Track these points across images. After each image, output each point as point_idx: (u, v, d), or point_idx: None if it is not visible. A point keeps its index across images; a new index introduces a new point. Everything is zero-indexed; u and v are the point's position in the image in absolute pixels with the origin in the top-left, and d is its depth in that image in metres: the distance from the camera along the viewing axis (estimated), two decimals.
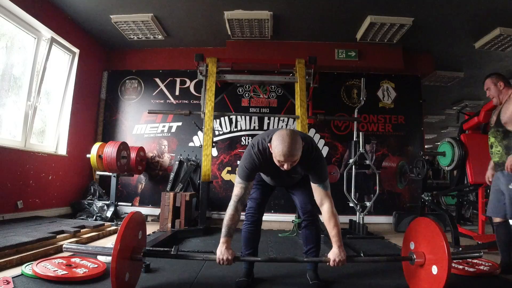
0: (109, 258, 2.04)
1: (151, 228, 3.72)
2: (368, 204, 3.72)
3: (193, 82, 5.03)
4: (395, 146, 4.91)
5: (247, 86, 4.99)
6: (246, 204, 1.80)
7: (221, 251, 1.58)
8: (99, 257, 2.06)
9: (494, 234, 2.38)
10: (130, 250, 1.60)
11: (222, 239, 1.61)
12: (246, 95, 4.99)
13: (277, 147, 1.51)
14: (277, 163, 1.57)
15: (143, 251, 1.69)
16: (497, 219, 2.23)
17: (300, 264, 1.98)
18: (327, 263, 1.61)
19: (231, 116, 4.89)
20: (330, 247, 2.98)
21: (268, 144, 1.61)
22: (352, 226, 3.89)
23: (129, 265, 1.61)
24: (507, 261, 2.18)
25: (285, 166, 1.53)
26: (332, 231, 1.62)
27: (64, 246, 1.70)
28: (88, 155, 4.10)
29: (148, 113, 4.35)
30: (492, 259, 2.34)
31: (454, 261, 2.13)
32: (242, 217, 1.86)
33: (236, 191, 1.68)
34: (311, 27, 4.45)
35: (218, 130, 4.88)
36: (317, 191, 1.68)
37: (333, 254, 1.60)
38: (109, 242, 2.23)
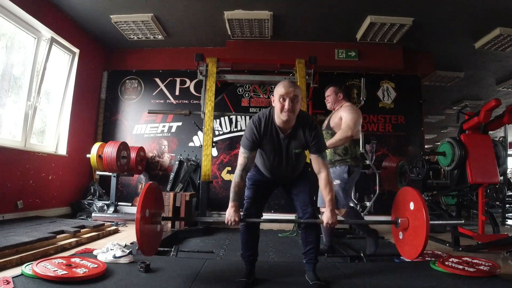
0: (109, 258, 2.04)
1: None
2: (368, 204, 3.72)
3: (193, 82, 5.03)
4: (395, 146, 4.91)
5: (247, 86, 4.99)
6: (249, 171, 1.89)
7: (229, 214, 1.75)
8: (99, 257, 2.06)
9: (494, 234, 2.40)
10: (150, 215, 1.82)
11: (230, 204, 1.78)
12: (246, 95, 4.99)
13: (278, 85, 1.74)
14: (278, 106, 1.69)
15: (162, 216, 1.94)
16: (344, 209, 2.55)
17: (300, 264, 1.98)
18: (322, 224, 1.79)
19: (231, 116, 4.89)
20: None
21: (271, 97, 1.81)
22: (352, 226, 3.88)
23: (151, 229, 1.85)
24: (331, 245, 2.66)
25: (287, 104, 1.67)
26: (327, 197, 1.79)
27: (93, 215, 2.15)
28: (88, 155, 4.10)
29: (148, 113, 4.35)
30: (492, 259, 2.34)
31: (454, 261, 2.13)
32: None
33: (240, 160, 1.82)
34: (311, 27, 4.45)
35: (218, 130, 4.88)
36: (316, 160, 1.82)
37: (326, 217, 1.76)
38: (109, 242, 2.23)
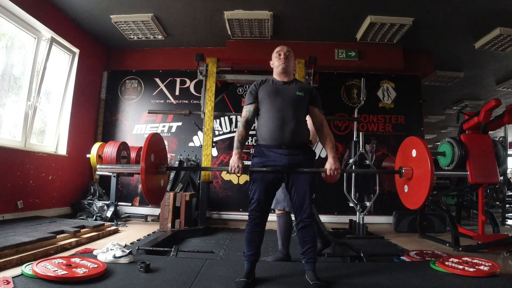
0: (109, 258, 2.04)
1: (151, 228, 3.72)
2: (368, 204, 3.72)
3: (193, 82, 5.03)
4: (395, 146, 4.90)
5: (247, 86, 4.99)
6: (251, 124, 1.97)
7: (233, 160, 1.85)
8: (99, 257, 2.06)
9: (494, 234, 2.40)
10: (154, 165, 1.93)
11: (234, 151, 1.88)
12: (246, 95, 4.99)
13: (275, 49, 2.02)
14: (275, 61, 1.98)
15: (166, 166, 2.05)
16: (279, 211, 2.51)
17: (300, 264, 1.98)
18: (324, 174, 1.86)
19: (231, 116, 4.89)
20: (330, 247, 2.97)
21: (270, 62, 2.06)
22: (352, 226, 3.88)
23: (156, 177, 1.96)
24: (286, 252, 2.47)
25: (282, 55, 1.95)
26: (328, 145, 1.90)
27: (98, 167, 2.29)
28: (88, 155, 4.10)
29: (148, 113, 4.35)
30: (492, 259, 2.34)
31: (454, 261, 2.13)
32: (245, 216, 1.85)
33: (243, 114, 1.97)
34: (311, 27, 4.45)
35: (218, 130, 4.88)
36: (315, 112, 1.95)
37: (329, 164, 1.84)
38: (109, 242, 2.23)
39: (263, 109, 1.93)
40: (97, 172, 4.41)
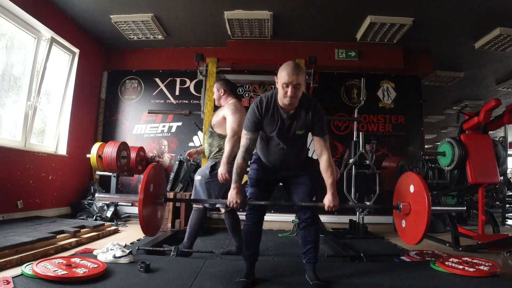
0: (109, 258, 2.04)
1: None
2: (368, 204, 3.72)
3: (193, 82, 5.03)
4: (395, 146, 4.91)
5: (247, 86, 4.99)
6: (252, 154, 1.88)
7: (232, 195, 1.77)
8: (99, 257, 2.06)
9: (494, 234, 2.40)
10: (152, 196, 1.88)
11: (233, 185, 1.78)
12: (246, 95, 4.99)
13: (281, 70, 1.68)
14: (281, 91, 1.68)
15: (164, 197, 2.00)
16: (196, 206, 2.52)
17: (300, 264, 1.98)
18: (324, 208, 1.79)
19: None
20: (329, 247, 2.97)
21: (275, 77, 1.75)
22: (352, 226, 3.88)
23: (153, 209, 1.90)
24: (240, 245, 2.47)
25: (289, 91, 1.64)
26: (328, 180, 1.79)
27: (96, 196, 2.10)
28: (88, 155, 4.10)
29: (148, 113, 4.35)
30: (492, 259, 2.34)
31: (454, 261, 2.13)
32: (243, 217, 1.86)
33: (243, 142, 1.81)
34: (311, 27, 4.45)
35: None
36: (318, 143, 1.81)
37: (328, 200, 1.77)
38: (109, 242, 2.23)
39: (264, 138, 1.86)
40: (97, 172, 4.40)
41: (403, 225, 1.98)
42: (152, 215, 1.90)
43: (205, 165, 2.57)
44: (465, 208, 2.04)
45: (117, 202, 4.25)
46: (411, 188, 1.88)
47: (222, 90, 2.64)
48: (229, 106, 2.52)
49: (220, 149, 2.50)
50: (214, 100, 2.71)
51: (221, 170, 2.26)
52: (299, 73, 1.66)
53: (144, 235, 1.86)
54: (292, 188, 1.92)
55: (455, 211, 2.39)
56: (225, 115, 2.49)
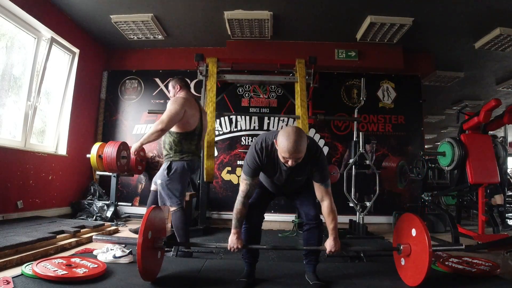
0: (109, 258, 2.05)
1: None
2: (368, 204, 3.72)
3: (193, 82, 5.03)
4: (395, 146, 4.91)
5: (247, 86, 4.99)
6: (250, 197, 1.87)
7: (232, 241, 1.79)
8: (99, 257, 2.07)
9: (494, 234, 2.39)
10: (152, 239, 1.81)
11: (233, 231, 1.80)
12: (246, 95, 4.99)
13: (283, 143, 1.57)
14: (282, 160, 1.64)
15: (164, 240, 1.92)
16: (173, 208, 2.47)
17: (300, 264, 1.98)
18: (325, 251, 1.80)
19: (231, 116, 4.89)
20: None
21: (274, 140, 1.69)
22: (352, 226, 3.88)
23: (152, 253, 1.83)
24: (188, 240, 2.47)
25: (290, 163, 1.60)
26: (330, 225, 1.79)
27: (93, 237, 1.95)
28: (88, 155, 4.10)
29: (148, 113, 4.35)
30: (492, 259, 2.34)
31: (454, 261, 2.13)
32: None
33: (242, 187, 1.81)
34: (311, 27, 4.45)
35: (218, 130, 4.88)
36: (319, 189, 1.80)
37: (329, 245, 1.78)
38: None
39: (265, 175, 1.89)
40: (97, 172, 4.40)
41: (403, 263, 1.95)
42: (151, 259, 1.83)
43: (161, 168, 2.51)
44: (463, 246, 2.01)
45: (117, 202, 4.25)
46: (413, 232, 1.85)
47: (178, 86, 2.66)
48: (171, 99, 2.53)
49: (171, 147, 2.47)
50: (171, 96, 2.73)
51: (134, 146, 2.37)
52: (300, 149, 1.57)
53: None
54: (296, 199, 1.96)
55: (454, 250, 2.39)
56: None
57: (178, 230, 2.44)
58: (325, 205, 1.79)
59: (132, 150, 2.44)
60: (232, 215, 1.82)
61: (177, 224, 2.44)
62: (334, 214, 1.78)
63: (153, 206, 1.93)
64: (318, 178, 1.78)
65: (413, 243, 1.85)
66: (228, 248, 1.78)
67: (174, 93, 2.68)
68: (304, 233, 1.90)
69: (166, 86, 5.09)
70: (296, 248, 1.93)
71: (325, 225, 1.85)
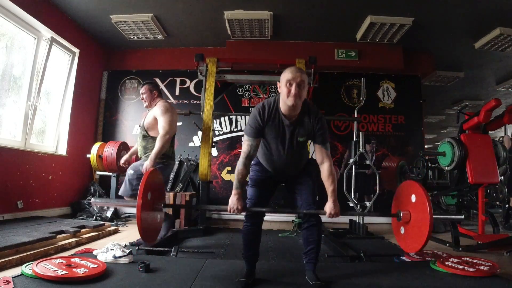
0: (109, 258, 2.04)
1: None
2: (368, 204, 3.72)
3: (193, 82, 5.03)
4: (395, 146, 4.91)
5: (247, 86, 4.99)
6: (252, 159, 1.87)
7: (232, 201, 1.76)
8: (99, 257, 2.06)
9: (494, 234, 2.40)
10: (151, 201, 1.85)
11: (234, 191, 1.77)
12: (246, 95, 4.99)
13: (285, 71, 1.72)
14: (285, 91, 1.68)
15: (163, 203, 1.99)
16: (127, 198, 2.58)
17: (300, 264, 1.98)
18: (325, 215, 1.81)
19: (231, 116, 4.89)
20: (329, 247, 2.98)
21: (277, 82, 1.77)
22: (352, 226, 3.88)
23: (152, 215, 1.87)
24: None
25: (293, 89, 1.65)
26: (329, 187, 1.80)
27: (92, 200, 2.01)
28: (88, 155, 4.10)
29: None
30: (492, 259, 2.34)
31: (454, 261, 2.13)
32: (243, 217, 1.87)
33: (244, 148, 1.81)
34: (311, 27, 4.45)
35: (218, 130, 4.88)
36: (320, 151, 1.83)
37: (329, 207, 1.78)
38: (109, 242, 2.23)
39: (265, 143, 1.87)
40: (97, 172, 4.40)
41: (402, 231, 1.98)
42: (151, 221, 1.88)
43: (139, 162, 2.65)
44: (463, 217, 2.04)
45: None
46: (413, 198, 1.87)
47: (156, 93, 2.75)
48: (159, 107, 2.62)
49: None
50: (145, 101, 2.76)
51: (147, 165, 2.40)
52: (302, 73, 1.70)
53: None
54: (295, 189, 1.93)
55: (455, 220, 2.42)
56: (155, 116, 2.59)
57: None
58: (325, 168, 1.81)
59: (148, 167, 2.42)
60: (234, 176, 1.82)
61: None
62: (334, 177, 1.80)
63: (152, 168, 2.02)
64: (320, 139, 1.80)
65: (413, 209, 1.86)
66: (228, 209, 1.76)
67: (151, 99, 2.74)
68: (303, 231, 1.89)
69: (166, 86, 5.09)
70: (296, 211, 1.93)
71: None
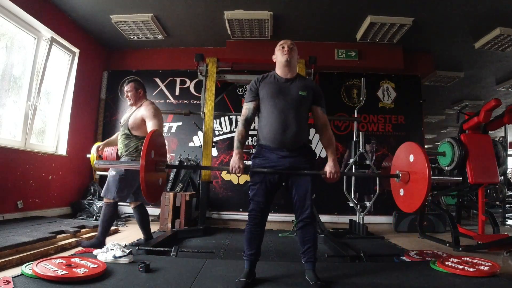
0: (109, 258, 2.04)
1: (151, 228, 3.71)
2: (368, 204, 3.72)
3: (193, 82, 5.03)
4: (395, 146, 4.88)
5: (247, 86, 4.98)
6: (251, 122, 1.94)
7: (234, 161, 1.83)
8: (99, 257, 2.06)
9: (494, 234, 2.39)
10: (154, 163, 1.90)
11: (235, 151, 1.85)
12: None
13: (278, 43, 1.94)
14: (279, 53, 1.89)
15: (165, 164, 2.07)
16: (107, 200, 2.56)
17: (300, 264, 1.98)
18: (324, 175, 1.86)
19: (231, 116, 4.89)
20: (329, 247, 2.98)
21: (272, 56, 1.98)
22: (352, 226, 3.88)
23: (155, 175, 1.93)
24: (103, 240, 2.54)
25: (286, 48, 1.87)
26: (329, 149, 1.90)
27: (95, 162, 2.11)
28: (88, 155, 4.09)
29: None
30: (492, 259, 2.34)
31: (454, 261, 2.13)
32: (245, 216, 1.86)
33: (243, 112, 1.93)
34: (311, 27, 4.45)
35: (218, 130, 4.88)
36: (319, 113, 1.94)
37: (329, 167, 1.84)
38: (109, 242, 2.23)
39: (264, 109, 1.88)
40: (96, 168, 4.40)
41: (401, 193, 2.00)
42: (154, 181, 1.92)
43: (121, 161, 2.63)
44: (461, 178, 2.06)
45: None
46: (411, 158, 1.90)
47: (141, 91, 2.69)
48: (148, 109, 2.58)
49: (137, 149, 2.56)
50: (129, 99, 2.69)
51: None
52: (292, 42, 1.92)
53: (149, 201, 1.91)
54: (294, 188, 1.91)
55: (453, 181, 2.43)
56: (144, 117, 2.55)
57: (104, 224, 2.54)
58: (324, 131, 1.92)
59: None
60: (234, 138, 1.90)
61: (105, 218, 2.54)
62: (333, 139, 1.91)
63: (154, 129, 2.08)
64: (319, 101, 1.93)
65: (412, 169, 1.90)
66: (230, 169, 1.82)
67: (137, 96, 2.68)
68: (298, 232, 1.88)
69: (166, 86, 5.09)
70: (300, 172, 1.84)
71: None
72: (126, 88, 2.69)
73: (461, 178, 2.10)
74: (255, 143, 4.71)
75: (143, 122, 2.57)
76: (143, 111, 2.59)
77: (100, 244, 2.46)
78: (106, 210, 2.56)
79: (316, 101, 1.92)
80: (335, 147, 1.91)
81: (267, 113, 1.86)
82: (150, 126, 2.51)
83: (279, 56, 1.90)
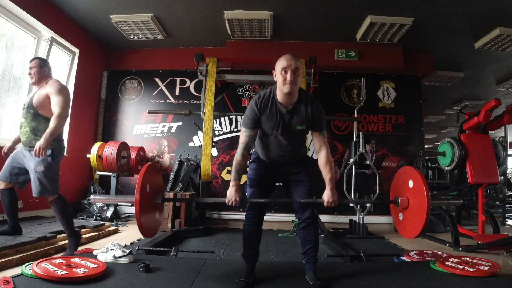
0: (109, 258, 2.04)
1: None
2: (368, 204, 3.72)
3: (193, 82, 5.03)
4: (395, 146, 4.91)
5: (247, 86, 4.99)
6: (250, 149, 1.86)
7: (230, 193, 1.76)
8: (99, 257, 2.06)
9: (494, 234, 2.39)
10: (149, 197, 1.86)
11: (232, 183, 1.77)
12: (246, 95, 4.99)
13: (279, 59, 1.71)
14: (280, 79, 1.68)
15: (162, 197, 1.99)
16: (54, 196, 2.45)
17: (300, 264, 1.98)
18: (323, 203, 1.79)
19: (231, 116, 4.89)
20: (329, 247, 2.98)
21: (272, 70, 1.76)
22: (352, 226, 3.88)
23: (151, 209, 1.89)
24: (15, 225, 2.44)
25: (289, 76, 1.64)
26: (327, 175, 1.78)
27: (91, 197, 2.02)
28: (88, 155, 4.10)
29: (148, 113, 4.35)
30: (492, 259, 2.34)
31: (454, 261, 2.13)
32: (243, 216, 1.87)
33: (242, 139, 1.81)
34: (311, 27, 4.45)
35: (218, 130, 4.88)
36: (317, 138, 1.81)
37: (327, 195, 1.76)
38: (109, 242, 2.23)
39: (261, 133, 1.85)
40: (97, 172, 4.40)
41: (401, 218, 2.00)
42: (150, 216, 1.88)
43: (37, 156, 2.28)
44: (462, 201, 2.06)
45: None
46: (410, 183, 1.89)
47: (46, 69, 2.46)
48: (53, 85, 2.36)
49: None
50: (32, 76, 2.43)
51: (41, 144, 2.17)
52: (297, 59, 1.68)
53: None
54: (292, 188, 1.92)
55: (453, 204, 2.43)
56: (48, 94, 2.32)
57: (66, 219, 2.41)
58: (322, 155, 1.79)
59: (42, 146, 2.19)
60: (232, 168, 1.80)
61: (62, 213, 2.41)
62: (331, 164, 1.79)
63: (149, 163, 1.96)
64: (318, 126, 1.79)
65: (411, 196, 1.88)
66: (227, 201, 1.76)
67: (40, 75, 2.42)
68: (300, 231, 1.89)
69: (166, 86, 5.09)
70: (292, 201, 1.87)
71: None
72: (30, 64, 2.44)
73: (461, 201, 2.10)
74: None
75: (48, 99, 2.32)
76: (48, 88, 2.35)
77: (12, 229, 2.39)
78: (60, 205, 2.44)
79: (314, 127, 1.79)
80: (334, 175, 1.79)
81: (265, 139, 1.86)
82: (55, 102, 2.29)
83: (279, 81, 1.69)
